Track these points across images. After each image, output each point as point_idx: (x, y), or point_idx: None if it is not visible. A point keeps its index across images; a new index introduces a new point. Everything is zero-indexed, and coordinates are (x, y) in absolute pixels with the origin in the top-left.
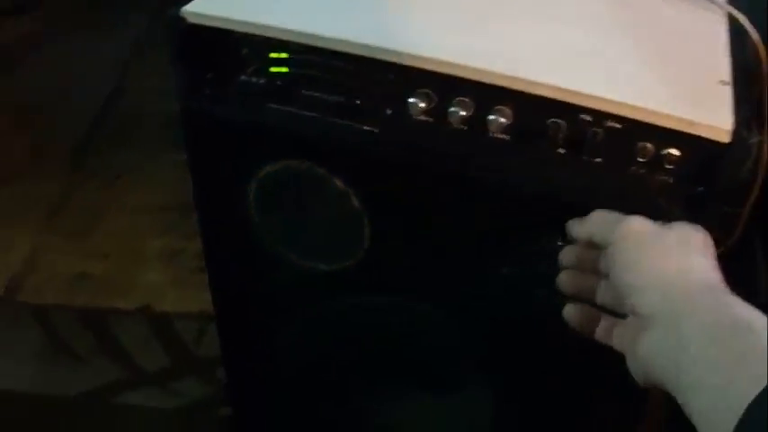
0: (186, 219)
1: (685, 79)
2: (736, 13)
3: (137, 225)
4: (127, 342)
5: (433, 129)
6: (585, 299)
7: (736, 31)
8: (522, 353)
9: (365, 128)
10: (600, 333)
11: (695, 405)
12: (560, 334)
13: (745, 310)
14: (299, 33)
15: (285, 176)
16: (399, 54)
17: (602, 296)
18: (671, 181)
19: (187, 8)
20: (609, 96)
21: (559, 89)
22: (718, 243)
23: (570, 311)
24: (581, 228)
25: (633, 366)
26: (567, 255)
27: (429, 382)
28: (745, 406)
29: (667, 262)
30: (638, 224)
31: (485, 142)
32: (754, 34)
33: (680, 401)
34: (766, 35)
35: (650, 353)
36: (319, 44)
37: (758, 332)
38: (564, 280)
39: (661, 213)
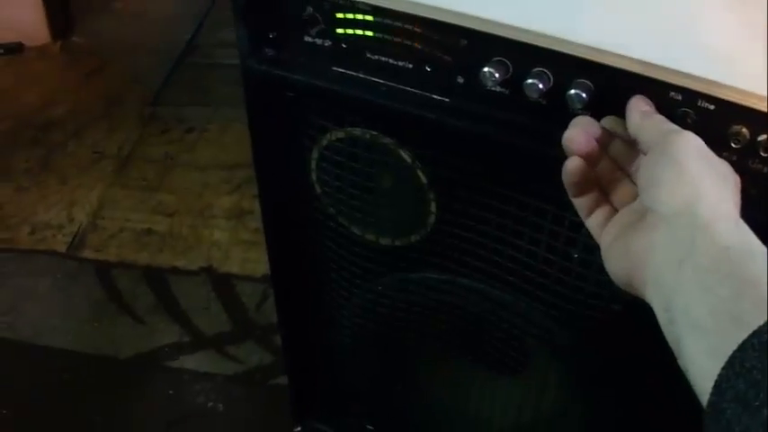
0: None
1: None
2: None
3: (206, 182)
4: (187, 303)
5: (507, 101)
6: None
7: None
8: (590, 339)
9: (435, 97)
10: (595, 218)
11: (683, 330)
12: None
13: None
14: None
15: (349, 146)
16: (473, 19)
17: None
18: (765, 170)
19: None
20: (702, 74)
21: (646, 64)
22: None
23: (573, 164)
24: (642, 119)
25: (615, 258)
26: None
27: (492, 361)
28: (730, 352)
29: (708, 180)
30: (696, 139)
31: (563, 118)
32: None
33: (661, 313)
34: None
35: (649, 250)
36: (389, 5)
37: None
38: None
39: (752, 203)
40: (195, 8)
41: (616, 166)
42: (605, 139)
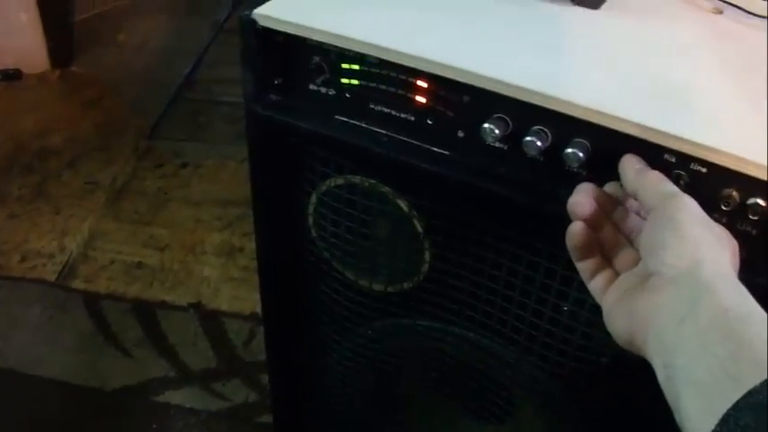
0: (249, 216)
1: None
2: None
3: (198, 217)
4: (175, 338)
5: (506, 157)
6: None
7: None
8: (577, 391)
9: (435, 149)
10: (597, 281)
11: (681, 387)
12: (618, 375)
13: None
14: (374, 46)
15: (348, 192)
16: (477, 76)
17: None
18: (754, 232)
19: (260, 11)
20: (695, 139)
21: (642, 127)
22: None
23: (577, 228)
24: (637, 177)
25: (618, 319)
26: (595, 191)
27: (479, 408)
28: (724, 410)
29: (706, 243)
30: (693, 203)
31: (560, 175)
32: None
33: (660, 370)
34: None
35: (653, 310)
36: (394, 59)
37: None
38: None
39: (742, 265)
40: (196, 43)
41: (618, 231)
42: (608, 205)
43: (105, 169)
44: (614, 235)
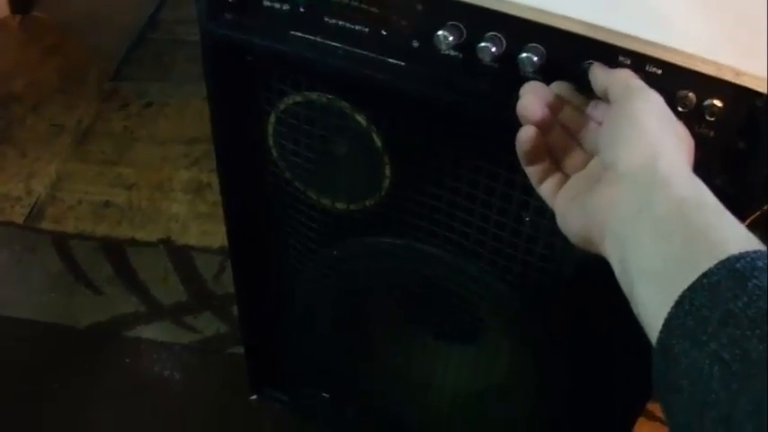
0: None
1: (735, 22)
2: None
3: (165, 155)
4: (145, 274)
5: (461, 65)
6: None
7: None
8: (541, 304)
9: (390, 60)
10: (547, 185)
11: (636, 277)
12: (580, 286)
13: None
14: None
15: (306, 109)
16: None
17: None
18: (711, 134)
19: None
20: (650, 38)
21: (595, 27)
22: (757, 206)
23: (527, 133)
24: (607, 74)
25: (572, 219)
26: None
27: (446, 328)
28: (679, 293)
29: (664, 137)
30: (657, 98)
31: (515, 81)
32: None
33: (616, 264)
34: None
35: (609, 206)
36: None
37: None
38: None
39: (699, 167)
40: None
41: (566, 132)
42: (556, 106)
43: (69, 112)
44: (563, 137)
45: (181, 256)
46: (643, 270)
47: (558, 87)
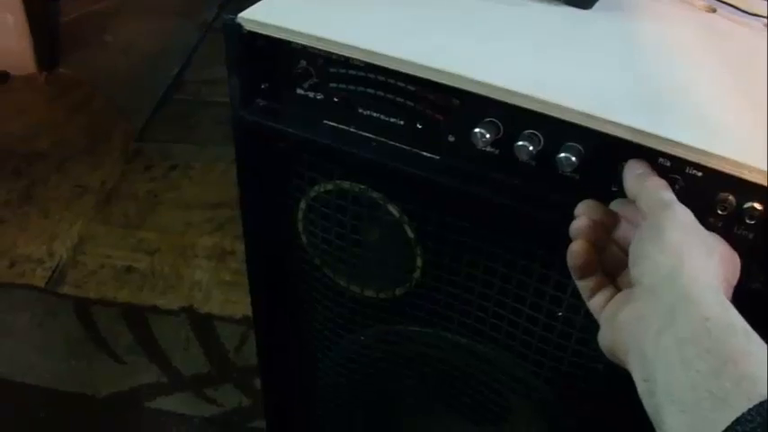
0: (239, 218)
1: None
2: None
3: (189, 220)
4: (166, 343)
5: (497, 161)
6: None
7: None
8: (571, 397)
9: (425, 154)
10: (597, 300)
11: (663, 402)
12: (611, 384)
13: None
14: (362, 50)
15: (337, 198)
16: (466, 80)
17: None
18: (750, 236)
19: (245, 14)
20: (690, 142)
21: (635, 131)
22: None
23: (578, 246)
24: (637, 182)
25: (604, 335)
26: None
27: (473, 414)
28: None
29: (687, 249)
30: (685, 213)
31: (552, 180)
32: None
33: (641, 383)
34: None
35: (633, 321)
36: (382, 63)
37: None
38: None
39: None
40: (183, 44)
41: (621, 248)
42: (611, 223)
43: (94, 173)
44: (617, 252)
45: (203, 326)
46: (671, 397)
47: (617, 205)
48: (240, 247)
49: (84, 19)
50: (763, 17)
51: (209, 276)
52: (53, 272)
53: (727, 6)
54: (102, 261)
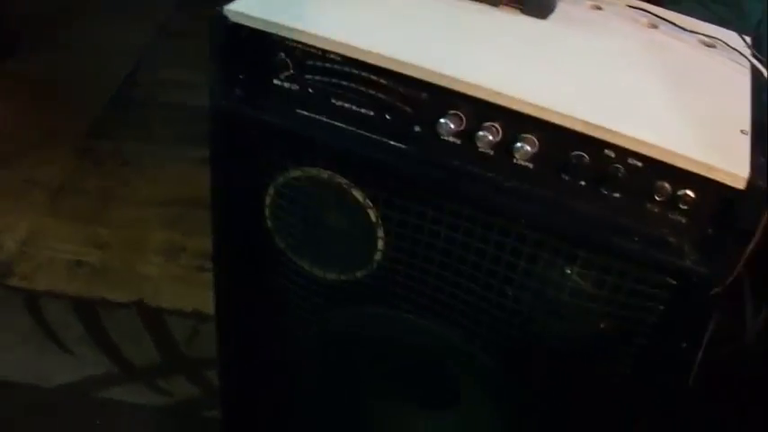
0: (191, 215)
1: (708, 125)
2: (759, 65)
3: (139, 216)
4: (117, 336)
5: (459, 151)
6: None
7: (760, 83)
8: (521, 375)
9: (392, 143)
10: None
11: None
12: (559, 357)
13: None
14: (338, 43)
15: (305, 183)
16: (435, 74)
17: None
18: (684, 221)
19: (230, 7)
20: (633, 134)
21: (586, 123)
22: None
23: None
24: None
25: None
26: None
27: (430, 396)
28: None
29: None
30: None
31: (508, 168)
32: None
33: None
34: None
35: None
36: (357, 56)
37: None
38: None
39: (672, 251)
40: (137, 45)
41: None
42: None
43: (44, 168)
44: None
45: (153, 319)
46: None
47: None
48: (191, 243)
49: (38, 16)
50: (699, 33)
51: (159, 271)
52: (1, 265)
53: (667, 23)
54: (52, 255)
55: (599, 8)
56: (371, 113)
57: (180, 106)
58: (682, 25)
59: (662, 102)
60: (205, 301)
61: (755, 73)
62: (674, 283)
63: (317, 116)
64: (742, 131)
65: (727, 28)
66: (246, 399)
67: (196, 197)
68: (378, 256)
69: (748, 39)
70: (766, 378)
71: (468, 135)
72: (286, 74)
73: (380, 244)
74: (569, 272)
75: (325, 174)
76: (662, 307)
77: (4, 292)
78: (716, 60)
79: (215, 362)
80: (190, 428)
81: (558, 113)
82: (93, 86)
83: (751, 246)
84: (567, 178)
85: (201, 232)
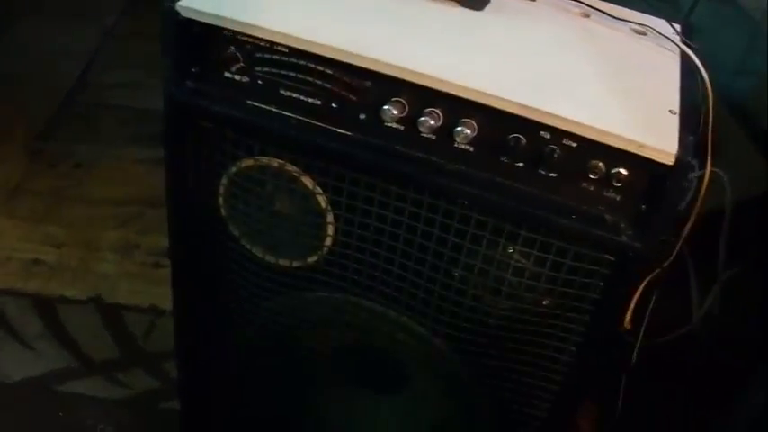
0: (143, 214)
1: (639, 106)
2: (688, 51)
3: (93, 216)
4: (75, 331)
5: (403, 136)
6: None
7: (689, 67)
8: (472, 355)
9: (339, 131)
10: None
11: None
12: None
13: None
14: (285, 35)
15: (257, 173)
16: (377, 62)
17: None
18: (618, 198)
19: (182, 2)
20: (566, 115)
21: (521, 106)
22: (656, 264)
23: None
24: None
25: None
26: None
27: (379, 381)
28: None
29: None
30: None
31: (450, 152)
32: (703, 71)
33: None
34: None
35: None
36: (303, 47)
37: None
38: None
39: (608, 228)
40: (83, 47)
41: None
42: None
43: None
44: None
45: (111, 315)
46: None
47: None
48: (145, 241)
49: None
50: (630, 21)
51: (115, 268)
52: None
53: (599, 13)
54: (9, 254)
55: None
56: (318, 103)
57: (129, 108)
58: (613, 14)
59: (595, 85)
60: (161, 296)
61: (684, 58)
62: (612, 259)
63: (267, 107)
64: (671, 111)
65: (658, 17)
66: (204, 389)
67: (149, 197)
68: (328, 242)
69: (678, 26)
70: (713, 362)
71: (410, 121)
72: (236, 66)
73: (330, 229)
74: (511, 251)
75: (275, 162)
76: (602, 284)
77: None
78: (647, 47)
79: (172, 354)
80: (149, 419)
81: (494, 97)
82: (43, 89)
83: (689, 224)
84: (505, 160)
85: (156, 230)
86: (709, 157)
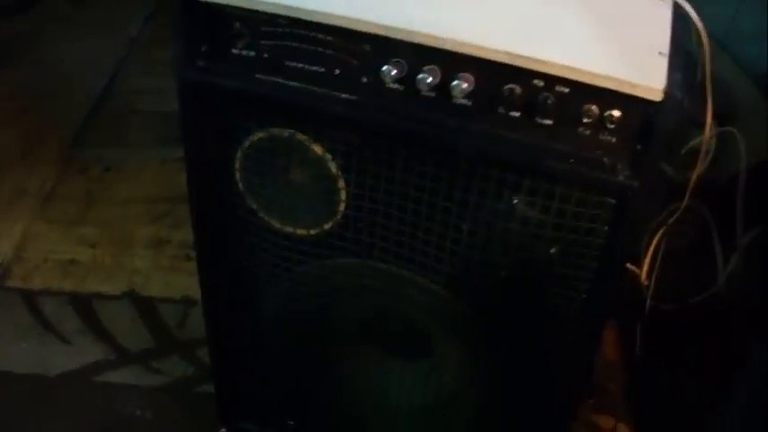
0: (172, 210)
1: (630, 50)
2: (681, 1)
3: (125, 215)
4: (112, 324)
5: (403, 95)
6: None
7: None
8: (481, 308)
9: (343, 96)
10: None
11: None
12: (520, 291)
13: None
14: (285, 6)
15: (269, 144)
16: (373, 25)
17: None
18: (614, 140)
19: None
20: (557, 60)
21: (513, 55)
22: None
23: None
24: None
25: None
26: None
27: (402, 345)
28: None
29: None
30: None
31: (449, 107)
32: (697, 21)
33: None
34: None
35: None
36: (302, 17)
37: None
38: None
39: (606, 170)
40: (110, 58)
41: None
42: None
43: (31, 177)
44: None
45: (145, 307)
46: None
47: None
48: (175, 236)
49: (10, 38)
50: None
51: (148, 263)
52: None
53: None
54: (46, 256)
55: None
56: (322, 70)
57: (154, 112)
58: None
59: (585, 32)
60: (193, 287)
61: (677, 7)
62: (613, 202)
63: (274, 78)
64: (660, 53)
65: None
66: (236, 371)
67: (177, 194)
68: (341, 207)
69: None
70: (739, 323)
71: (410, 80)
72: (242, 42)
73: (343, 194)
74: (516, 201)
75: (285, 132)
76: (606, 228)
77: (3, 293)
78: None
79: (205, 341)
80: (186, 402)
81: (487, 48)
82: (73, 99)
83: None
84: (502, 111)
85: (185, 225)
86: (709, 99)
